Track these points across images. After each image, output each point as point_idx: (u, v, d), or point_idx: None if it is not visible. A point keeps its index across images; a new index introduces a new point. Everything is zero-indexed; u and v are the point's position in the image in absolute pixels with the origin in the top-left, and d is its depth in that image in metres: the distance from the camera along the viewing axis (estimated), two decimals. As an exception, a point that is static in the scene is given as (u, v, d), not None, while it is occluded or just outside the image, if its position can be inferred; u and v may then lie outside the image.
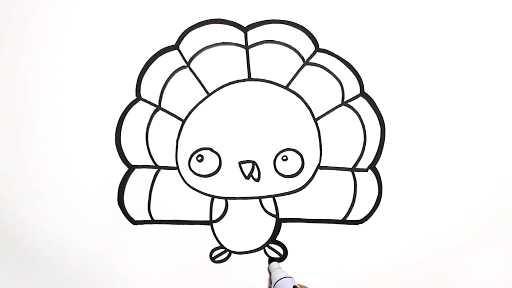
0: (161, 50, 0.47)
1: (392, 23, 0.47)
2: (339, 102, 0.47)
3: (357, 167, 0.47)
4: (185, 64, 0.47)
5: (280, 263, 0.45)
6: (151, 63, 0.47)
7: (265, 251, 0.46)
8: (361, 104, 0.47)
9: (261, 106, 0.47)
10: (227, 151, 0.46)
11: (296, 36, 0.47)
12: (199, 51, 0.47)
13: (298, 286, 0.41)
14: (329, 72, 0.47)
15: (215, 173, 0.46)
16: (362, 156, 0.47)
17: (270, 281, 0.44)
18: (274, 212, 0.46)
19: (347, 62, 0.47)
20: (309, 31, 0.47)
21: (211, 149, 0.46)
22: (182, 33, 0.47)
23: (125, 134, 0.46)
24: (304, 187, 0.46)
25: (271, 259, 0.46)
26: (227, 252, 0.45)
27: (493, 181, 0.46)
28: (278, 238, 0.46)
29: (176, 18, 0.47)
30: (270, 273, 0.45)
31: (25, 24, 0.47)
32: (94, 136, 0.46)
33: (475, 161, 0.46)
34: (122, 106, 0.47)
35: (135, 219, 0.45)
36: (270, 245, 0.46)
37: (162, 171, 0.46)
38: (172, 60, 0.47)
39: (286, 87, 0.47)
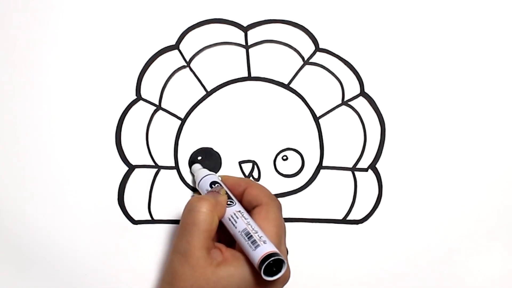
0: (161, 50, 0.47)
1: (392, 23, 0.47)
2: (339, 101, 0.47)
3: (357, 166, 0.47)
4: (185, 64, 0.47)
5: None
6: (151, 63, 0.47)
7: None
8: (361, 104, 0.47)
9: (261, 105, 0.47)
10: (227, 151, 0.46)
11: (296, 36, 0.47)
12: (199, 51, 0.47)
13: (220, 180, 0.41)
14: (329, 72, 0.47)
15: (215, 173, 0.46)
16: (362, 155, 0.47)
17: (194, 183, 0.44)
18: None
19: (347, 62, 0.47)
20: (309, 31, 0.47)
21: (211, 149, 0.46)
22: (182, 33, 0.47)
23: (125, 133, 0.46)
24: (304, 187, 0.46)
25: (192, 162, 0.45)
26: (227, 252, 0.45)
27: (496, 181, 0.46)
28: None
29: (176, 18, 0.47)
30: (193, 175, 0.45)
31: (22, 22, 0.47)
32: (94, 136, 0.46)
33: (477, 161, 0.46)
34: (122, 106, 0.47)
35: (135, 219, 0.45)
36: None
37: (162, 170, 0.46)
38: (172, 60, 0.47)
39: (286, 87, 0.47)
